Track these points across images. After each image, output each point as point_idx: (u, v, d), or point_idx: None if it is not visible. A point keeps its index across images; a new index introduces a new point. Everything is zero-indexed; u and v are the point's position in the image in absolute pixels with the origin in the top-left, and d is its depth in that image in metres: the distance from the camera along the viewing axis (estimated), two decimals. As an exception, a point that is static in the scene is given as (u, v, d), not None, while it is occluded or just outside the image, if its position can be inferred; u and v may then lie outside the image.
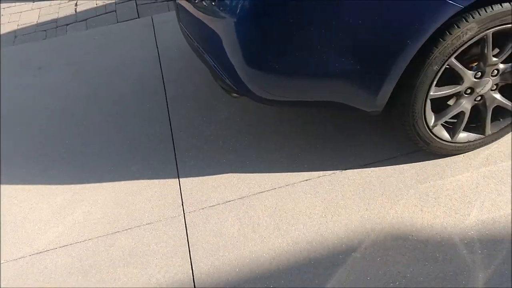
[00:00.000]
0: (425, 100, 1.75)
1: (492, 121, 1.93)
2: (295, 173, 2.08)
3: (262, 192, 2.00)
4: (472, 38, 1.63)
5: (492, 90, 1.83)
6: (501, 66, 1.77)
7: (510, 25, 1.64)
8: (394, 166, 2.02)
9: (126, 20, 3.56)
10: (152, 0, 3.68)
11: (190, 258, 1.80)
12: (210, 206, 1.99)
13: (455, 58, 1.68)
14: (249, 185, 2.04)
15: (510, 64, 1.78)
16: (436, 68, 1.66)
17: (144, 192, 2.12)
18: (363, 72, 1.68)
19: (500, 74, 1.79)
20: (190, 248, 1.84)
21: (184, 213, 1.98)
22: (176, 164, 2.23)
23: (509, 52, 1.72)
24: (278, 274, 1.68)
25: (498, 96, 1.86)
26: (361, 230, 1.77)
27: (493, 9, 1.58)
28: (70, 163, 2.36)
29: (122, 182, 2.19)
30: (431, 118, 1.83)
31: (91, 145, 2.44)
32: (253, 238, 1.83)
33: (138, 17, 3.55)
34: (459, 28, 1.58)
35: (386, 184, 1.94)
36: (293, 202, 1.94)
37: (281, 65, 1.70)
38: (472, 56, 1.76)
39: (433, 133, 1.87)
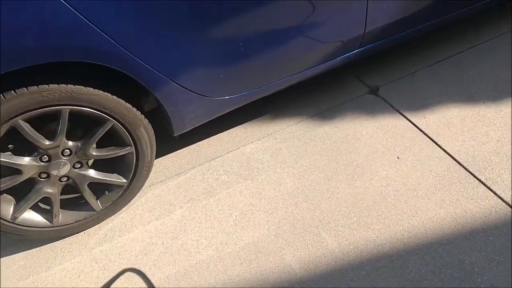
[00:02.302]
0: (-20, 198, 1.48)
1: (100, 195, 1.74)
2: None
3: None
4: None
5: (77, 168, 1.61)
6: (71, 144, 1.55)
7: (39, 110, 1.40)
8: (4, 257, 1.75)
9: None
10: None
11: None
12: None
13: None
14: None
15: (81, 141, 1.57)
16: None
17: None
18: None
19: (76, 152, 1.57)
20: None
21: None
22: None
23: (65, 131, 1.49)
24: None
25: (91, 172, 1.66)
26: None
27: (5, 97, 1.33)
28: None
29: None
30: (7, 211, 1.58)
31: None
32: None
33: None
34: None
35: (-14, 286, 1.65)
36: None
37: None
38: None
39: (19, 224, 1.61)
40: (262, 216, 1.76)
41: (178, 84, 1.58)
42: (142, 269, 1.64)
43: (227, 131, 2.15)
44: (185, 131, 1.79)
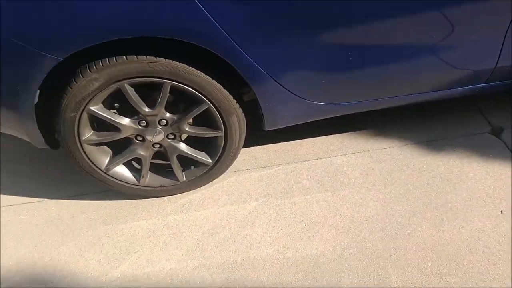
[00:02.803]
0: (81, 145, 1.66)
1: (186, 167, 1.84)
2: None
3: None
4: (104, 89, 1.52)
5: (170, 139, 1.72)
6: (168, 115, 1.66)
7: (144, 79, 1.51)
8: (96, 201, 1.96)
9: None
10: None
11: None
12: None
13: (96, 106, 1.58)
14: None
15: (177, 115, 1.66)
16: (73, 115, 1.57)
17: None
18: (3, 112, 1.60)
19: (171, 124, 1.68)
20: None
21: None
22: None
23: (164, 102, 1.60)
24: None
25: (181, 145, 1.76)
26: (7, 269, 1.72)
27: (116, 61, 1.46)
28: None
29: None
30: (103, 162, 1.75)
31: None
32: None
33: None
34: (83, 77, 1.48)
35: (75, 221, 1.88)
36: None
37: None
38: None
39: (111, 176, 1.78)
40: (332, 232, 1.70)
41: (278, 83, 1.58)
42: (205, 249, 1.70)
43: (323, 137, 2.10)
44: (276, 128, 1.79)
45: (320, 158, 2.00)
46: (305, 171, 1.95)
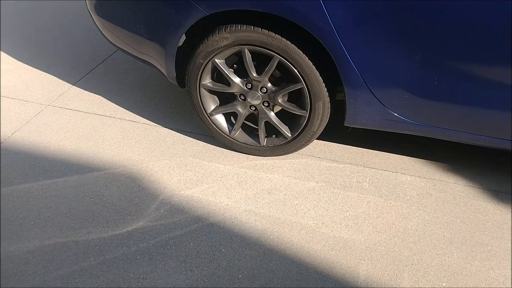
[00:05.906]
0: (199, 87, 2.10)
1: (269, 135, 2.18)
2: (135, 114, 2.58)
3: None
4: (229, 47, 1.93)
5: (264, 105, 2.08)
6: (269, 85, 2.02)
7: (260, 48, 1.89)
8: (194, 139, 2.39)
9: None
10: None
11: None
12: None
13: (220, 60, 2.00)
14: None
15: (277, 87, 2.01)
16: (202, 62, 2.01)
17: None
18: (155, 46, 2.11)
19: (269, 94, 2.03)
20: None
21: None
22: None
23: (270, 73, 1.95)
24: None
25: (271, 114, 2.10)
26: (113, 162, 2.23)
27: (245, 28, 1.86)
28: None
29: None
30: (210, 106, 2.17)
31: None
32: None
33: None
34: (218, 34, 1.91)
35: (174, 147, 2.33)
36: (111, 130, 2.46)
37: (110, 17, 2.21)
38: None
39: (212, 121, 2.20)
40: (369, 228, 1.89)
41: (367, 85, 1.83)
42: (259, 201, 2.01)
43: (399, 155, 2.27)
44: (354, 126, 2.03)
45: (388, 171, 2.18)
46: (370, 176, 2.16)
